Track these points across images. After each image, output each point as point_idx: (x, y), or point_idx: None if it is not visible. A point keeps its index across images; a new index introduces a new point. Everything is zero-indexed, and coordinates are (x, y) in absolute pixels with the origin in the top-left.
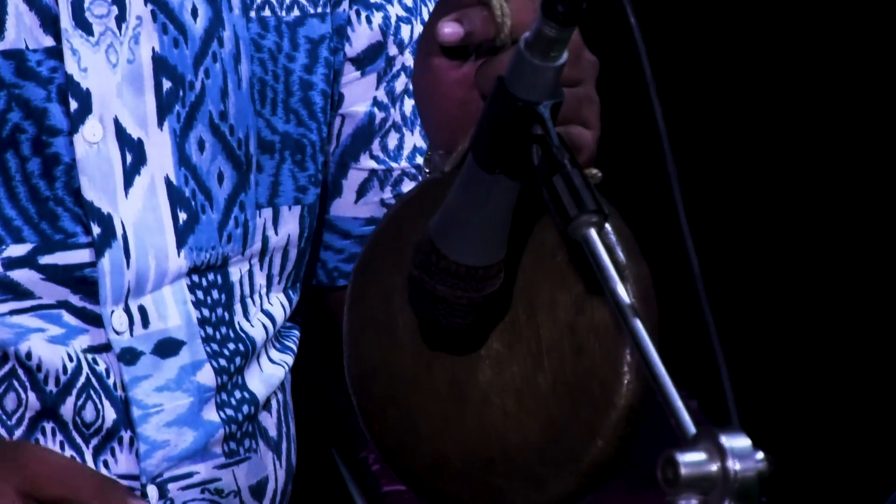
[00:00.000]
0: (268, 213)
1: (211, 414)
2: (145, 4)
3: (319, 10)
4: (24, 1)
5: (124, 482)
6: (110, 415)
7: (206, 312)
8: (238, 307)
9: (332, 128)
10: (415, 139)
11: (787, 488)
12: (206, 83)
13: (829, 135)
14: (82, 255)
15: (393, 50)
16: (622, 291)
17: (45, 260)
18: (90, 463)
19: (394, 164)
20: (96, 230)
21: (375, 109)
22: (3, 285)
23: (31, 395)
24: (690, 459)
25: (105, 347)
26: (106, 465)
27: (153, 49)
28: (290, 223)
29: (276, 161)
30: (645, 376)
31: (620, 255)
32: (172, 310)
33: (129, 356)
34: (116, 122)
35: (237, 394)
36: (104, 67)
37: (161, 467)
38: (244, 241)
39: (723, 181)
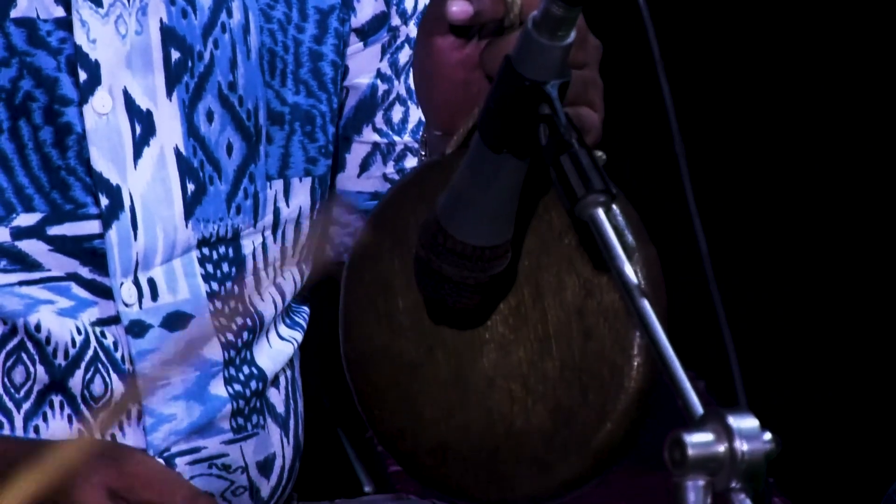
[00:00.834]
0: (278, 184)
1: (218, 389)
2: None
3: None
4: None
5: None
6: (118, 388)
7: (215, 286)
8: (250, 280)
9: None
10: (419, 113)
11: (794, 469)
12: (214, 54)
13: (831, 121)
14: (91, 227)
15: (396, 20)
16: (629, 271)
17: (54, 231)
18: (98, 435)
19: (397, 138)
20: (104, 201)
21: (378, 81)
22: (11, 255)
23: (40, 369)
24: (698, 440)
25: (114, 320)
26: (113, 438)
27: (161, 20)
28: (302, 195)
29: (286, 132)
30: (653, 357)
31: (629, 237)
32: (182, 283)
33: (138, 329)
34: (125, 94)
35: (245, 369)
36: (113, 39)
37: (168, 441)
38: (255, 213)
39: (729, 164)
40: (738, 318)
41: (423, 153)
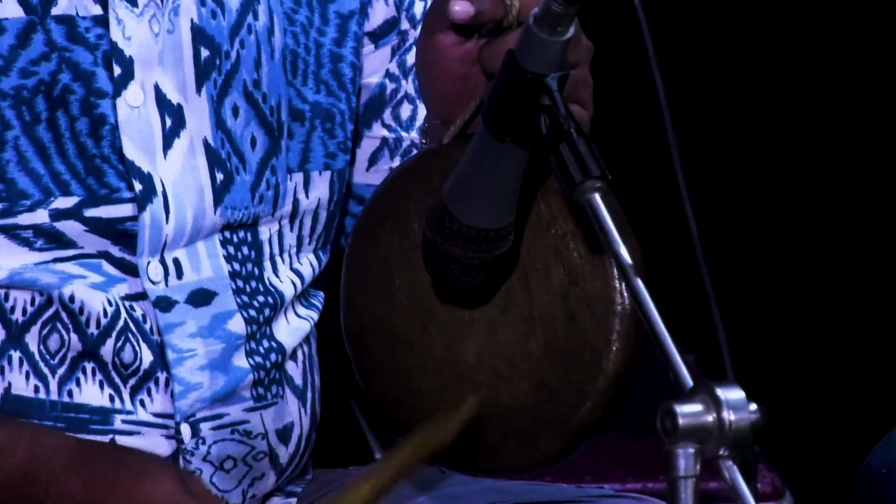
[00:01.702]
0: (298, 177)
1: (240, 360)
2: None
3: None
4: None
5: (159, 420)
6: (147, 357)
7: (236, 266)
8: (267, 264)
9: None
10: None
11: (778, 438)
12: (241, 53)
13: (815, 107)
14: (125, 210)
15: (405, 24)
16: (625, 252)
17: (90, 213)
18: (127, 402)
19: (404, 134)
20: (138, 187)
21: (387, 80)
22: (48, 235)
23: (74, 337)
24: (688, 411)
25: (142, 296)
26: (142, 403)
27: (192, 20)
28: (321, 187)
29: (307, 129)
30: (641, 343)
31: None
32: (205, 263)
33: (164, 304)
34: (157, 88)
35: (265, 343)
36: (147, 37)
37: (194, 408)
38: (275, 203)
39: (716, 150)
40: (726, 297)
41: (424, 141)
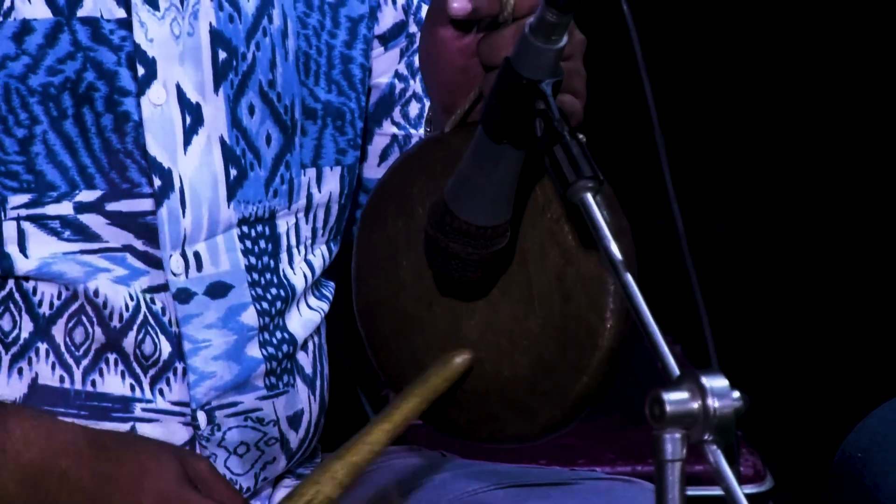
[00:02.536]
0: (311, 172)
1: (254, 351)
2: None
3: None
4: None
5: (177, 408)
6: (166, 348)
7: (253, 260)
8: (284, 256)
9: None
10: None
11: (760, 423)
12: (256, 55)
13: (801, 101)
14: (145, 204)
15: (413, 28)
16: (615, 248)
17: (112, 206)
18: (147, 391)
19: (413, 131)
20: (157, 182)
21: (396, 80)
22: (73, 227)
23: (98, 330)
24: (675, 398)
25: (163, 288)
26: (161, 392)
27: (210, 24)
28: (332, 182)
29: (319, 126)
30: (633, 323)
31: (604, 211)
32: (223, 256)
33: (184, 296)
34: (178, 88)
35: (278, 334)
36: (168, 39)
37: (209, 396)
38: (290, 197)
39: (701, 147)
40: (711, 290)
41: (428, 129)
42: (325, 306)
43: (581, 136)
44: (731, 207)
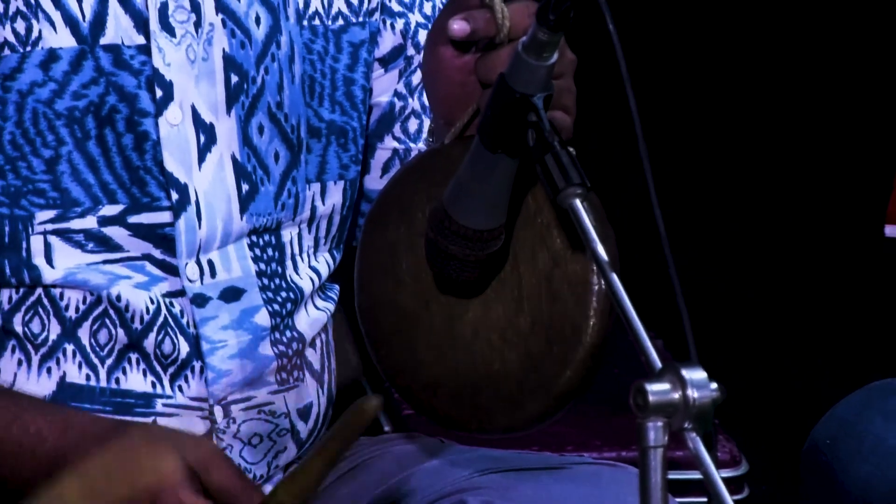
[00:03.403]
0: (316, 187)
1: (266, 349)
2: (216, 13)
3: (360, 19)
4: (122, 6)
5: (195, 403)
6: (184, 348)
7: (262, 266)
8: (289, 263)
9: None
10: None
11: (736, 412)
12: (265, 78)
13: (776, 103)
14: (164, 216)
15: (411, 51)
16: (601, 250)
17: (133, 219)
18: (167, 387)
19: (413, 145)
20: (175, 196)
21: (395, 99)
22: (97, 239)
23: (120, 331)
24: (657, 389)
25: (180, 293)
26: (181, 389)
27: (223, 49)
28: (336, 195)
29: (323, 144)
30: (617, 319)
31: (591, 216)
32: (235, 264)
33: (200, 300)
34: (193, 109)
35: (287, 333)
36: (184, 63)
37: (225, 392)
38: (295, 209)
39: (683, 154)
40: (690, 289)
41: (431, 139)
42: (331, 307)
43: (571, 149)
44: (709, 215)
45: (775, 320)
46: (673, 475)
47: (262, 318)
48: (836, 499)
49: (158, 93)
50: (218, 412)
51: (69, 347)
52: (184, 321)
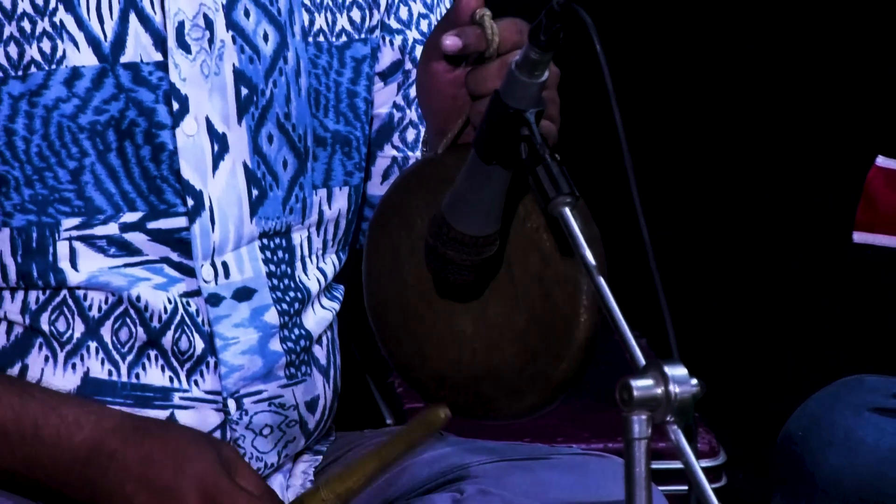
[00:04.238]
0: (322, 192)
1: (275, 345)
2: (227, 31)
3: (362, 36)
4: (142, 25)
5: (210, 397)
6: (199, 345)
7: (272, 268)
8: (298, 264)
9: None
10: None
11: (716, 406)
12: (274, 91)
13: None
14: (180, 222)
15: (408, 65)
16: (589, 255)
17: (152, 225)
18: (184, 382)
19: (410, 153)
20: (190, 202)
21: (394, 110)
22: (119, 244)
23: (140, 330)
24: (641, 384)
25: (196, 293)
26: (196, 383)
27: (234, 64)
28: (341, 200)
29: (329, 152)
30: (604, 318)
31: (579, 222)
32: (247, 265)
33: (214, 300)
34: (207, 120)
35: (296, 331)
36: (198, 77)
37: (238, 385)
38: (303, 214)
39: (664, 155)
40: (672, 290)
41: (424, 148)
42: (337, 306)
43: (558, 156)
44: (692, 216)
45: (752, 320)
46: (656, 465)
47: (272, 317)
48: (807, 486)
49: (175, 106)
50: (231, 405)
51: (92, 345)
52: (199, 319)
